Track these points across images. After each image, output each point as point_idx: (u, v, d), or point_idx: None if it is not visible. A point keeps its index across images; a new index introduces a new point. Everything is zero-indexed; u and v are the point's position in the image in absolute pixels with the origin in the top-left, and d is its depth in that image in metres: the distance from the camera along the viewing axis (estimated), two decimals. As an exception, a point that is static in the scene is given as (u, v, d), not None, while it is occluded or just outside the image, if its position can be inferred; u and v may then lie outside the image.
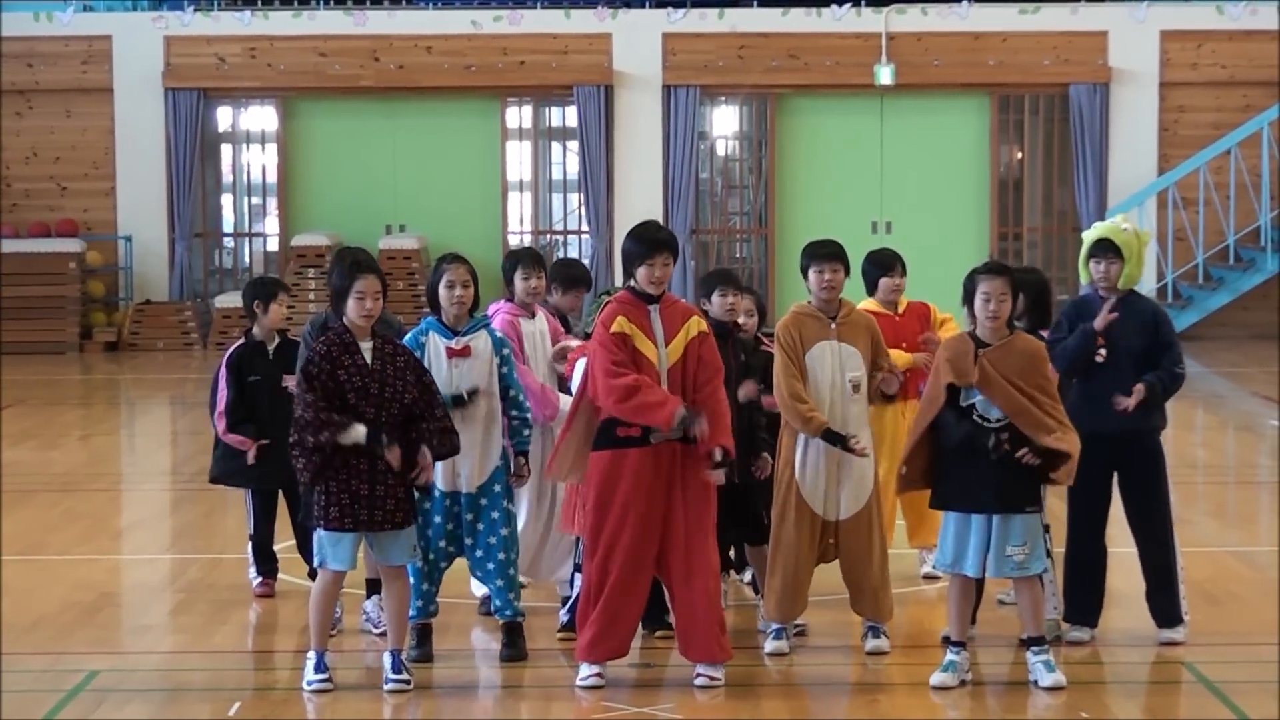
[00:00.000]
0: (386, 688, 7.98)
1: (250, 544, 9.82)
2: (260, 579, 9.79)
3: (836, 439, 8.34)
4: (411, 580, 8.39)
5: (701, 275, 9.33)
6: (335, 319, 8.06)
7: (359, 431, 7.76)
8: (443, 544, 8.44)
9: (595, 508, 8.00)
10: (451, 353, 8.36)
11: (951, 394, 7.99)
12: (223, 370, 9.55)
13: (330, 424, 7.72)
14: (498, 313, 9.08)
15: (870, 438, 8.53)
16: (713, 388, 7.97)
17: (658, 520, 7.96)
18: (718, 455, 7.89)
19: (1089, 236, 8.70)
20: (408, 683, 7.99)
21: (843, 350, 8.44)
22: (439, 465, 8.29)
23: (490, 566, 8.43)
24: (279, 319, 9.67)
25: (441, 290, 8.41)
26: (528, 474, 8.61)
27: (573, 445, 8.10)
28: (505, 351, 8.51)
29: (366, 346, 7.92)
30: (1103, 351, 8.48)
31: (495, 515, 8.43)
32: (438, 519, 8.41)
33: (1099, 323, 8.48)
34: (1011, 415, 7.95)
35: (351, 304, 7.91)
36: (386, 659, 8.05)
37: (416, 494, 8.16)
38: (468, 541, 8.42)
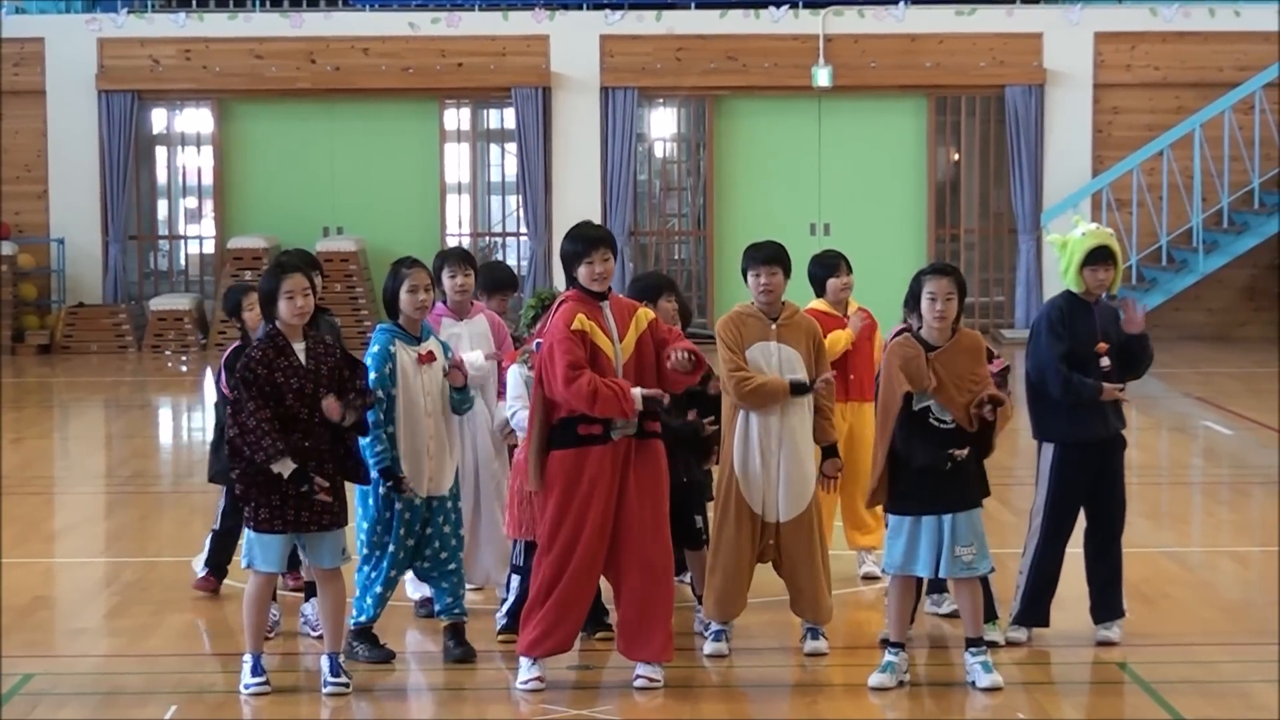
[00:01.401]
0: (325, 690, 7.95)
1: (211, 537, 9.73)
2: (206, 572, 9.73)
3: (803, 388, 8.36)
4: (363, 583, 8.39)
5: (631, 282, 9.29)
6: (267, 323, 8.03)
7: (287, 466, 7.75)
8: (411, 544, 8.42)
9: (557, 506, 7.97)
10: (421, 359, 8.36)
11: (905, 398, 8.01)
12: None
13: (265, 447, 7.71)
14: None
15: (809, 439, 8.53)
16: (675, 336, 8.06)
17: (606, 519, 7.97)
18: (681, 355, 7.91)
19: (1083, 245, 8.60)
20: (346, 685, 7.97)
21: (782, 351, 8.45)
22: (422, 471, 8.34)
23: (449, 568, 8.44)
24: (258, 320, 9.60)
25: (404, 295, 8.41)
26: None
27: (539, 453, 8.05)
28: (449, 355, 8.54)
29: (300, 347, 7.91)
30: (1106, 361, 8.51)
31: (455, 517, 8.49)
32: (405, 524, 8.39)
33: (1109, 390, 8.49)
34: (963, 420, 7.98)
35: (283, 305, 7.90)
36: (324, 662, 8.02)
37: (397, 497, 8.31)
38: (433, 545, 8.42)
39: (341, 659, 8.05)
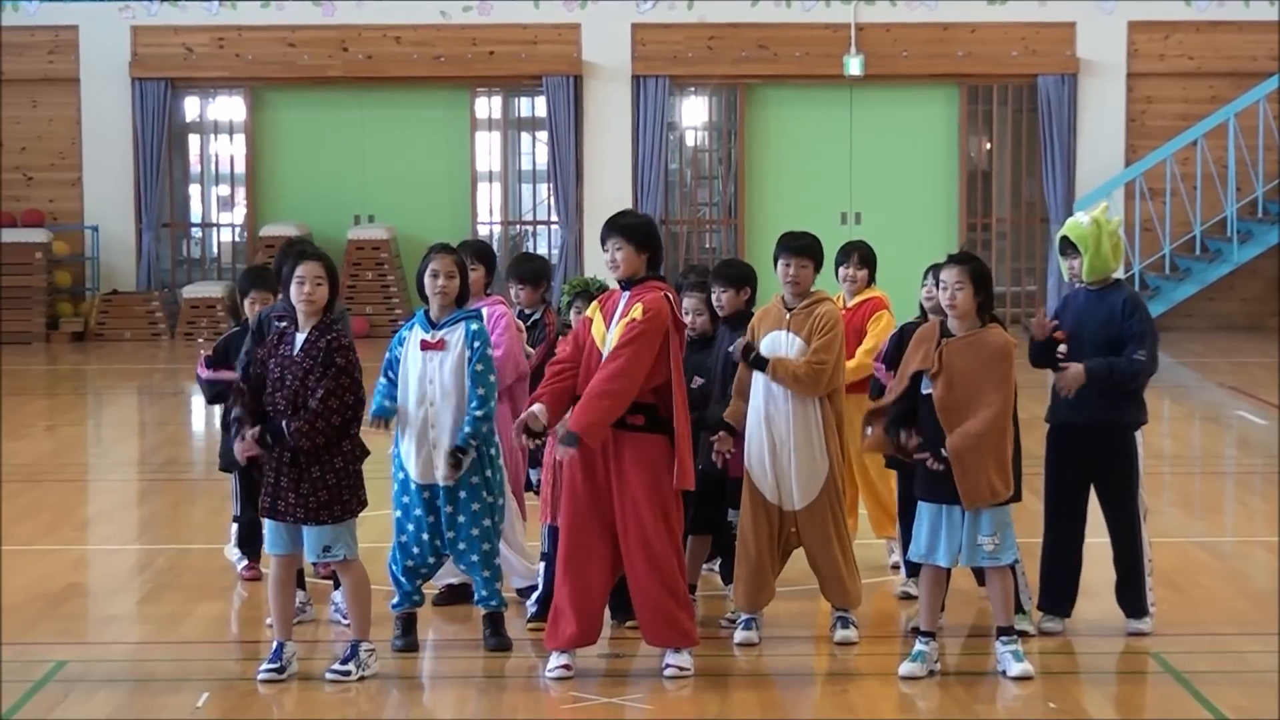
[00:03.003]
0: (326, 676, 7.98)
1: (235, 525, 9.81)
2: (246, 563, 9.79)
3: (757, 362, 8.43)
4: (390, 570, 8.42)
5: (723, 262, 9.36)
6: (288, 307, 8.11)
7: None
8: (425, 536, 8.41)
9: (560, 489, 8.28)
10: (425, 346, 8.32)
11: (915, 376, 8.05)
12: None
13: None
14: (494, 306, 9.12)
15: (819, 427, 8.44)
16: (599, 370, 7.93)
17: (604, 505, 7.99)
18: (559, 430, 7.94)
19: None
20: (347, 674, 7.96)
21: (791, 341, 8.44)
22: (413, 458, 8.30)
23: (474, 558, 8.40)
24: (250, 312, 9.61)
25: (426, 280, 8.39)
26: (456, 470, 8.31)
27: None
28: (477, 345, 8.33)
29: (301, 338, 7.93)
30: (1063, 348, 8.51)
31: (476, 507, 8.37)
32: (418, 512, 8.38)
33: (1036, 332, 8.55)
34: (941, 411, 7.94)
35: (292, 289, 7.95)
36: (345, 649, 8.07)
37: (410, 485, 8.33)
38: (449, 534, 8.38)
39: (363, 650, 8.06)
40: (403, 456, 8.37)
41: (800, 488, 8.43)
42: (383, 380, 8.36)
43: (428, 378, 8.29)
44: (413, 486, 8.37)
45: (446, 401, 8.30)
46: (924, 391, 8.02)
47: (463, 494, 8.36)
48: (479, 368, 8.29)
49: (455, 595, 9.19)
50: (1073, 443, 8.60)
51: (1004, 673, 8.01)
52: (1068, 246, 8.67)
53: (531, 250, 24.11)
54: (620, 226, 8.07)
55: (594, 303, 8.20)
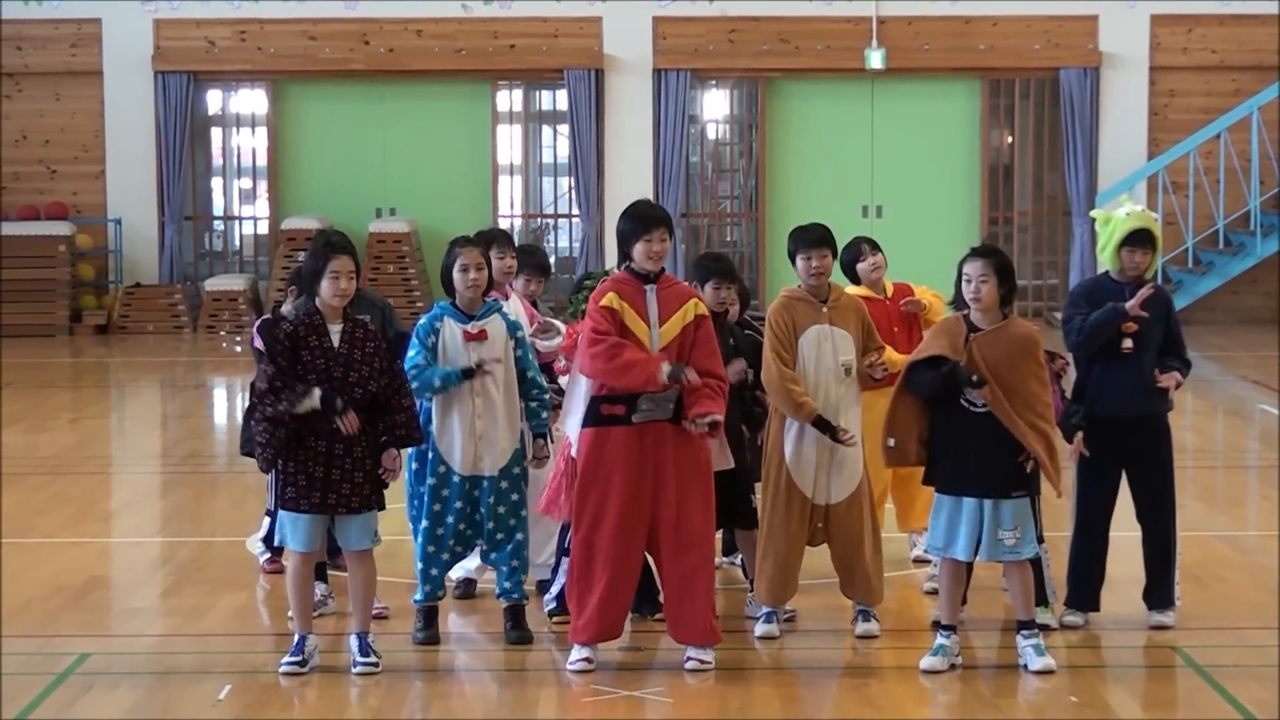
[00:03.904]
0: (354, 670, 7.98)
1: (267, 520, 9.82)
2: (269, 556, 9.80)
3: (826, 427, 8.34)
4: (419, 564, 8.42)
5: (694, 259, 9.27)
6: (309, 301, 8.05)
7: (314, 396, 7.75)
8: (461, 527, 8.44)
9: (581, 485, 8.02)
10: (469, 337, 8.34)
11: (935, 361, 8.01)
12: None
13: (286, 391, 7.74)
14: None
15: (859, 420, 8.53)
16: (713, 371, 7.96)
17: (646, 499, 7.96)
18: (704, 421, 7.84)
19: (1124, 225, 8.52)
20: (375, 665, 7.98)
21: (835, 334, 8.44)
22: (458, 449, 8.32)
23: (508, 548, 8.44)
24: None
25: (456, 273, 8.40)
26: (547, 455, 8.56)
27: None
28: (519, 334, 8.48)
29: (335, 330, 7.91)
30: (1129, 342, 8.45)
31: (515, 497, 8.44)
32: (457, 503, 8.40)
33: (1133, 304, 8.41)
34: (992, 405, 7.94)
35: (325, 284, 7.90)
36: (354, 642, 8.06)
37: (431, 480, 8.38)
38: (488, 525, 8.42)
39: (372, 639, 8.08)
40: (442, 450, 8.37)
41: (841, 483, 8.44)
42: (420, 361, 8.34)
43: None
44: (455, 479, 8.38)
45: (497, 391, 8.35)
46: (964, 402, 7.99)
47: (504, 484, 8.42)
48: (532, 356, 8.51)
49: (472, 589, 9.22)
50: (1108, 435, 8.56)
51: (1026, 667, 8.00)
52: (1147, 241, 8.56)
53: (553, 244, 24.19)
54: (665, 218, 8.06)
55: (611, 295, 8.00)
